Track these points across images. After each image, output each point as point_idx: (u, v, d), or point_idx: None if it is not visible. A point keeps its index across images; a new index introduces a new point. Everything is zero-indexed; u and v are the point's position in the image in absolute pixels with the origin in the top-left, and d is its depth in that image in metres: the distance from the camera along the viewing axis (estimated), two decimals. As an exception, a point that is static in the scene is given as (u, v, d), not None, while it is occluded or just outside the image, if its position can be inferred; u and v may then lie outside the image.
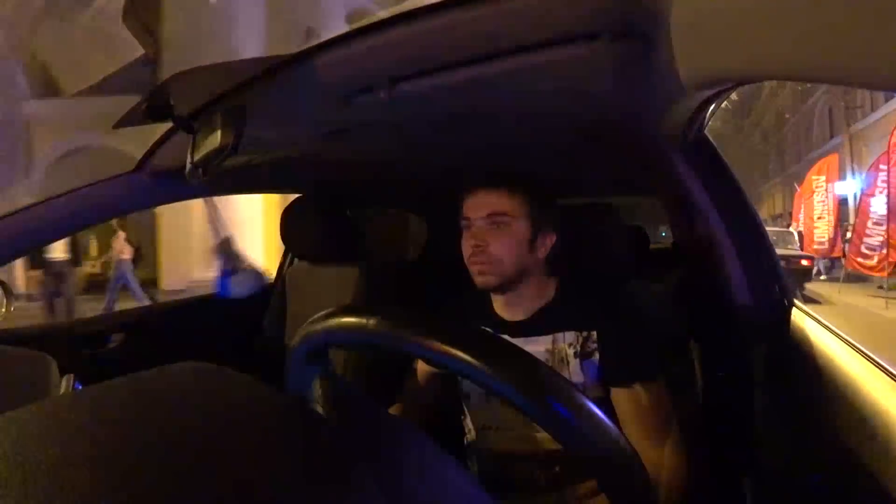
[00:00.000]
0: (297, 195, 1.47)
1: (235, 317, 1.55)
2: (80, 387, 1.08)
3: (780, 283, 0.88)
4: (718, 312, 0.95)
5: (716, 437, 0.90)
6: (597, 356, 0.86)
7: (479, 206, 0.89)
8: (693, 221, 0.93)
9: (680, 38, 0.46)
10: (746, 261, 0.88)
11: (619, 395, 0.83)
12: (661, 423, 0.81)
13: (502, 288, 0.91)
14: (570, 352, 0.87)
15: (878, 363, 0.62)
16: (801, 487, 0.68)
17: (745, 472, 0.83)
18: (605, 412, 0.35)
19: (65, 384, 0.99)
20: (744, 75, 0.48)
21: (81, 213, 0.97)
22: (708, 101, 0.66)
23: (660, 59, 0.56)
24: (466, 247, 0.90)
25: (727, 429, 0.90)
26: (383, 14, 0.53)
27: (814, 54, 0.31)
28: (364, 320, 0.39)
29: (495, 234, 0.88)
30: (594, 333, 0.87)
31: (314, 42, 0.60)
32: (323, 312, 0.42)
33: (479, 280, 0.90)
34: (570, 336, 0.88)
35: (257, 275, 0.90)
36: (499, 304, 0.96)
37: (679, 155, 0.87)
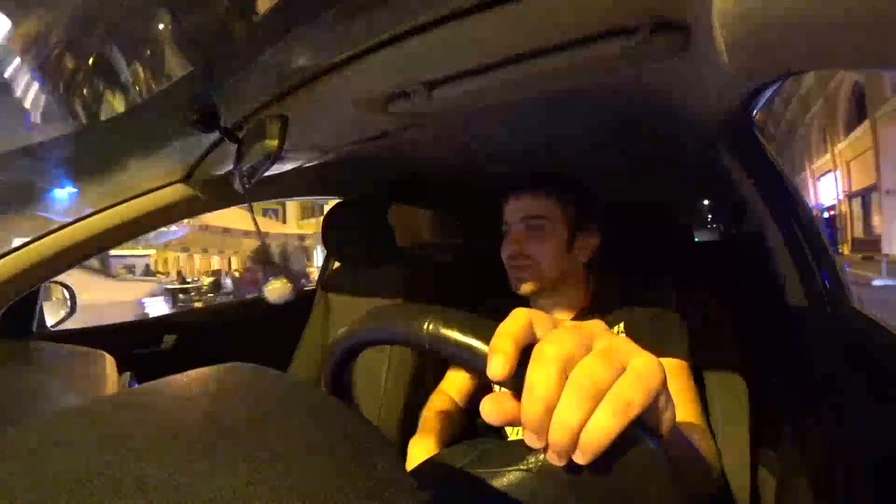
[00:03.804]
0: (337, 199, 1.51)
1: (282, 318, 1.60)
2: (137, 384, 1.14)
3: (835, 280, 0.83)
4: (768, 310, 0.91)
5: (761, 437, 0.86)
6: None
7: (516, 210, 0.89)
8: (741, 217, 0.89)
9: (725, 29, 0.45)
10: (798, 257, 0.84)
11: None
12: (683, 403, 0.75)
13: (541, 293, 0.90)
14: None
15: None
16: (852, 487, 0.65)
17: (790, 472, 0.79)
18: None
19: (123, 381, 1.05)
20: (795, 64, 0.46)
21: (135, 221, 1.02)
22: (754, 94, 0.63)
23: (702, 52, 0.54)
24: (505, 252, 0.90)
25: (776, 428, 0.86)
26: (418, 20, 0.53)
27: (866, 42, 0.29)
28: (383, 321, 0.40)
29: (532, 238, 0.87)
30: (622, 325, 0.85)
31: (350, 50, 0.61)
32: (359, 318, 0.43)
33: (517, 286, 0.89)
34: None
35: (290, 284, 0.95)
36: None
37: (726, 150, 0.84)
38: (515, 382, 0.28)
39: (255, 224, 1.00)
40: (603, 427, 0.26)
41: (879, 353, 0.68)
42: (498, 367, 0.27)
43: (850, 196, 15.47)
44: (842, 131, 15.54)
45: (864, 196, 14.23)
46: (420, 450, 0.89)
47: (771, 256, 0.88)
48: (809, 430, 0.78)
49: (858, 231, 14.97)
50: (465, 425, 1.01)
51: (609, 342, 0.29)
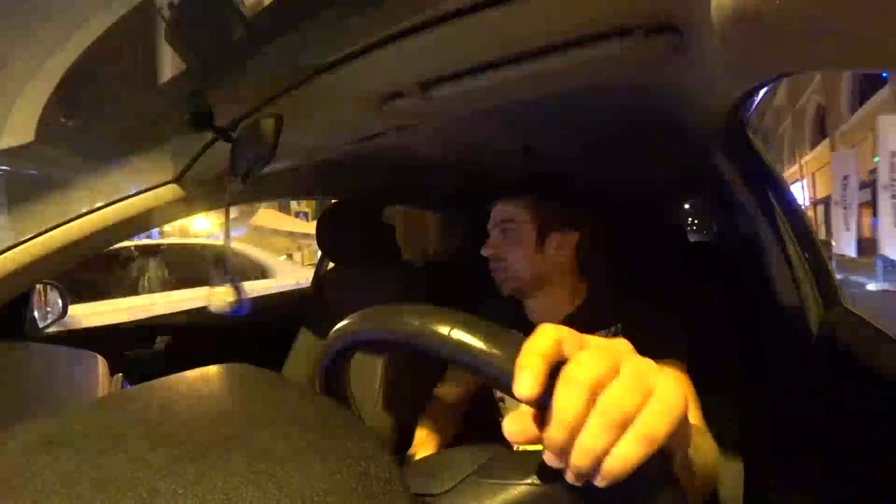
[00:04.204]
0: (333, 200, 1.50)
1: (276, 319, 1.59)
2: (129, 385, 1.13)
3: (828, 282, 0.84)
4: (763, 311, 0.91)
5: (758, 437, 0.86)
6: None
7: (494, 216, 0.94)
8: (735, 219, 0.90)
9: (720, 30, 0.45)
10: (791, 259, 0.84)
11: None
12: None
13: (523, 293, 0.93)
14: None
15: None
16: (844, 488, 0.65)
17: (783, 469, 0.80)
18: None
19: (115, 383, 1.04)
20: (787, 66, 0.46)
21: (125, 222, 1.01)
22: (747, 96, 0.63)
23: (696, 54, 0.54)
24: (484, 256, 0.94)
25: (770, 429, 0.86)
26: (413, 20, 0.53)
27: (859, 44, 0.30)
28: (391, 321, 0.40)
29: (505, 242, 0.91)
30: (619, 325, 0.86)
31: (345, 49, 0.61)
32: (354, 314, 0.43)
33: (499, 288, 0.94)
34: (600, 335, 0.86)
35: (242, 296, 0.86)
36: (531, 310, 0.96)
37: (719, 152, 0.85)
38: (541, 402, 0.28)
39: (227, 224, 0.92)
40: (627, 456, 0.26)
41: (871, 353, 0.68)
42: (526, 387, 0.27)
43: (815, 203, 16.95)
44: (808, 145, 17.39)
45: (827, 203, 15.33)
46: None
47: (764, 256, 0.89)
48: (800, 430, 0.79)
49: (822, 234, 16.30)
50: (463, 428, 1.01)
51: (636, 366, 0.29)
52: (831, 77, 13.48)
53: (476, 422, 1.02)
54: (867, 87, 11.80)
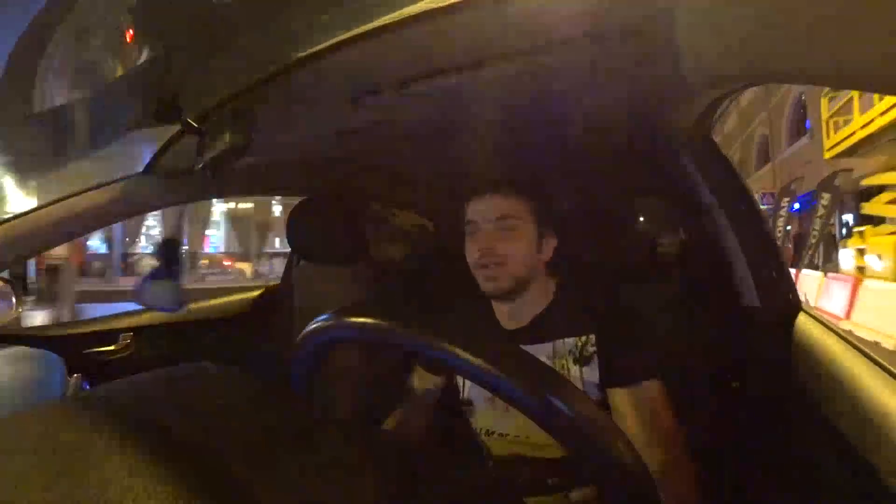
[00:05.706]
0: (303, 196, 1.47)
1: (242, 316, 1.56)
2: (88, 387, 1.09)
3: (787, 285, 0.87)
4: (726, 313, 0.94)
5: (724, 439, 0.89)
6: (595, 360, 0.84)
7: (487, 209, 0.88)
8: (700, 222, 0.92)
9: (689, 39, 0.46)
10: (753, 262, 0.87)
11: (617, 396, 0.80)
12: (661, 423, 0.78)
13: (510, 293, 0.89)
14: (570, 359, 0.85)
15: (882, 365, 0.62)
16: (806, 486, 0.68)
17: (751, 472, 0.83)
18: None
19: (73, 384, 1.00)
20: (753, 76, 0.48)
21: (92, 213, 0.97)
22: (715, 103, 0.66)
23: (666, 60, 0.56)
24: (473, 252, 0.88)
25: (735, 432, 0.89)
26: (391, 17, 0.53)
27: (823, 56, 0.31)
28: (369, 320, 0.39)
29: (504, 238, 0.86)
30: (592, 337, 0.85)
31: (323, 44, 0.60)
32: (327, 313, 0.43)
33: (487, 286, 0.88)
34: (569, 343, 0.86)
35: (179, 293, 0.82)
36: (501, 312, 0.94)
37: (686, 156, 0.87)
38: None
39: (183, 219, 0.92)
40: None
41: (830, 357, 0.71)
42: None
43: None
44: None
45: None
46: None
47: (727, 261, 0.92)
48: (767, 432, 0.82)
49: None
50: (431, 424, 1.01)
51: None
52: (747, 143, 16.69)
53: (444, 418, 1.02)
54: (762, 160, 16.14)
